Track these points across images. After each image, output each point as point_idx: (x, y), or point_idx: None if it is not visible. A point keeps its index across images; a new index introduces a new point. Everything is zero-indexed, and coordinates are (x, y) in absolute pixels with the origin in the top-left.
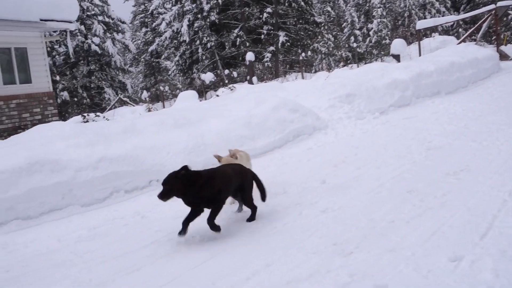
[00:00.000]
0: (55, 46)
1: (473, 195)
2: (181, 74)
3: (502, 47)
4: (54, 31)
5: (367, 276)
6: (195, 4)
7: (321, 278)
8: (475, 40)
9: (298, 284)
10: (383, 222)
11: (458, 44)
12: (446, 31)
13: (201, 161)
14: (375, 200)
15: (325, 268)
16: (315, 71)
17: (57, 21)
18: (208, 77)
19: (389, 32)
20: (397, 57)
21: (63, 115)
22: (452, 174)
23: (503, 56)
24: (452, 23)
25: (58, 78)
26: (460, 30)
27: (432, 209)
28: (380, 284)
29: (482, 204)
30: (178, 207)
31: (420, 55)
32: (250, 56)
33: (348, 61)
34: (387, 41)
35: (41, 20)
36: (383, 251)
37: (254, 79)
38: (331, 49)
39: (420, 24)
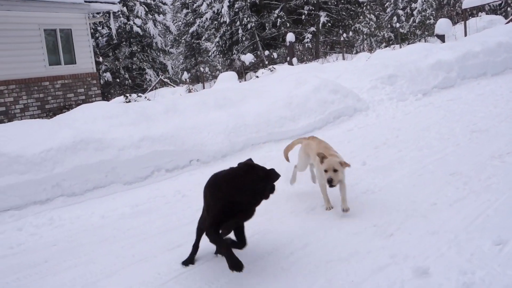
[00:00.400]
0: (98, 28)
1: None
2: (221, 55)
3: None
4: (98, 13)
5: (408, 258)
6: None
7: (361, 258)
8: None
9: (337, 264)
10: (425, 204)
11: (506, 23)
12: (493, 10)
13: (241, 141)
14: (417, 183)
15: (365, 249)
16: (356, 52)
17: (100, 2)
18: (248, 58)
19: (433, 12)
20: (441, 38)
21: (105, 96)
22: (497, 157)
23: None
24: (500, 1)
25: (101, 59)
26: (509, 9)
27: (476, 192)
28: (422, 266)
29: None
30: None
31: (466, 35)
32: (290, 37)
33: (391, 42)
34: (432, 21)
35: (86, 1)
36: (424, 234)
37: (294, 60)
38: (373, 29)
39: (466, 3)
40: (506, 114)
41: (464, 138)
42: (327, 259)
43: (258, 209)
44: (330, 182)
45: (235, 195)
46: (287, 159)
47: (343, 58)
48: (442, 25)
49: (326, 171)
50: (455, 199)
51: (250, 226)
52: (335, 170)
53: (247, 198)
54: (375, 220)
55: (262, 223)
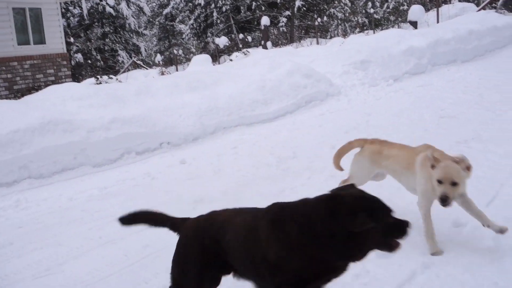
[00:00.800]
0: (70, 7)
1: (482, 163)
2: (195, 38)
3: None
4: None
5: None
6: None
7: None
8: (495, 7)
9: None
10: (391, 188)
11: (477, 11)
12: None
13: (213, 124)
14: None
15: None
16: (331, 37)
17: None
18: (222, 41)
19: None
20: (414, 24)
21: (76, 77)
22: (463, 142)
23: None
24: None
25: (72, 40)
26: None
27: None
28: None
29: (490, 172)
30: (189, 169)
31: (438, 22)
32: (265, 20)
33: (365, 27)
34: (405, 7)
35: None
36: None
37: (269, 44)
38: (347, 14)
39: None
40: (474, 100)
41: (432, 124)
42: None
43: (223, 187)
44: (444, 201)
45: (311, 247)
46: (339, 167)
47: (317, 43)
48: (415, 11)
49: (440, 182)
50: None
51: (219, 207)
52: (454, 184)
53: (331, 253)
54: None
55: (227, 205)
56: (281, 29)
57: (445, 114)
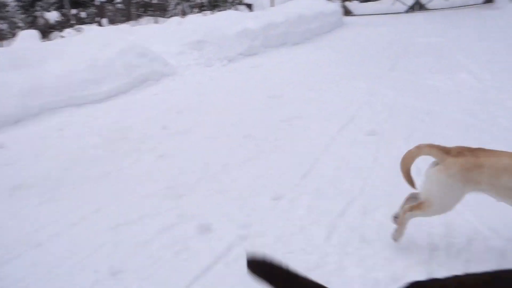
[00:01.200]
0: None
1: (302, 140)
2: (23, 11)
3: (347, 3)
4: None
5: (194, 216)
6: None
7: (150, 220)
8: None
9: (126, 227)
10: (217, 166)
11: None
12: None
13: (38, 105)
14: (213, 145)
15: (155, 211)
16: (170, 16)
17: None
18: (53, 16)
19: None
20: (249, 6)
21: None
22: (286, 120)
23: (347, 12)
24: None
25: None
26: None
27: (264, 152)
28: (205, 223)
29: (308, 148)
30: (8, 154)
31: (272, 5)
32: None
33: (203, 8)
34: None
35: None
36: (212, 193)
37: (105, 21)
38: None
39: None
40: (300, 81)
41: (260, 103)
42: (117, 223)
43: (45, 172)
44: None
45: None
46: (410, 181)
47: (155, 22)
48: None
49: None
50: (245, 160)
51: (42, 192)
52: None
53: None
54: (169, 182)
55: (54, 190)
56: (117, 6)
57: (272, 94)
